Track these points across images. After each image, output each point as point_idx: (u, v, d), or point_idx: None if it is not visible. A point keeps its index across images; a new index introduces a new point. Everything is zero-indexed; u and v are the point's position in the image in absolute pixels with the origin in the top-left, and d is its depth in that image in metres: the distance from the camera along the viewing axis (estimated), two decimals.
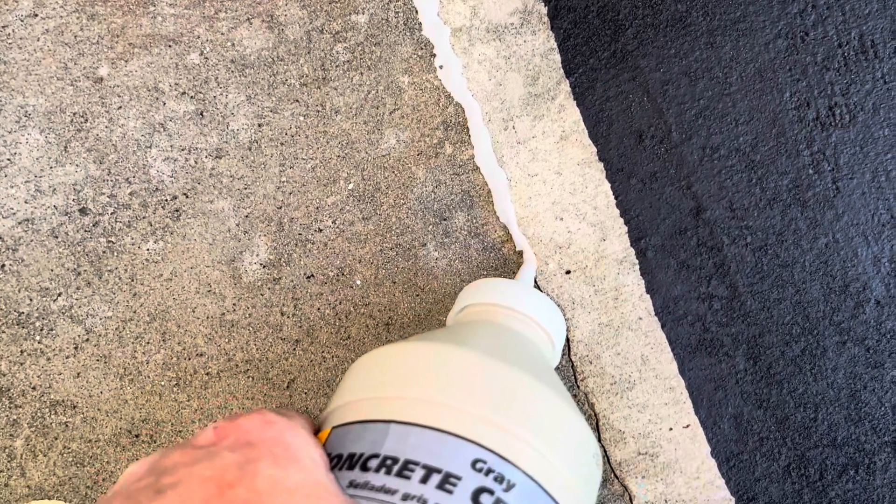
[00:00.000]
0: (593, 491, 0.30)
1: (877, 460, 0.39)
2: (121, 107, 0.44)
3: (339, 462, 0.25)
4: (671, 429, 0.41)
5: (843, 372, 0.40)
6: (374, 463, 0.25)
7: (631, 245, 0.42)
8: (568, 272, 0.42)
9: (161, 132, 0.44)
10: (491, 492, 0.24)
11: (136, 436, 0.42)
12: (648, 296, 0.41)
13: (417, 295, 0.43)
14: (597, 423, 0.41)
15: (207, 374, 0.43)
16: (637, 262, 0.42)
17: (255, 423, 0.25)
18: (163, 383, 0.43)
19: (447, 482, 0.24)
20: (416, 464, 0.24)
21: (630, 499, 0.41)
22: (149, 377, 0.43)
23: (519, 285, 0.37)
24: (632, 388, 0.41)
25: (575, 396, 0.41)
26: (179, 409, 0.43)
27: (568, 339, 0.42)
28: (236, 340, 0.43)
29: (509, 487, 0.25)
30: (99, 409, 0.42)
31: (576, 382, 0.41)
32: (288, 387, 0.43)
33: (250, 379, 0.43)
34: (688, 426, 0.41)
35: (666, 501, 0.40)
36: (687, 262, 0.41)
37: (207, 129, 0.44)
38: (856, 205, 0.41)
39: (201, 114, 0.44)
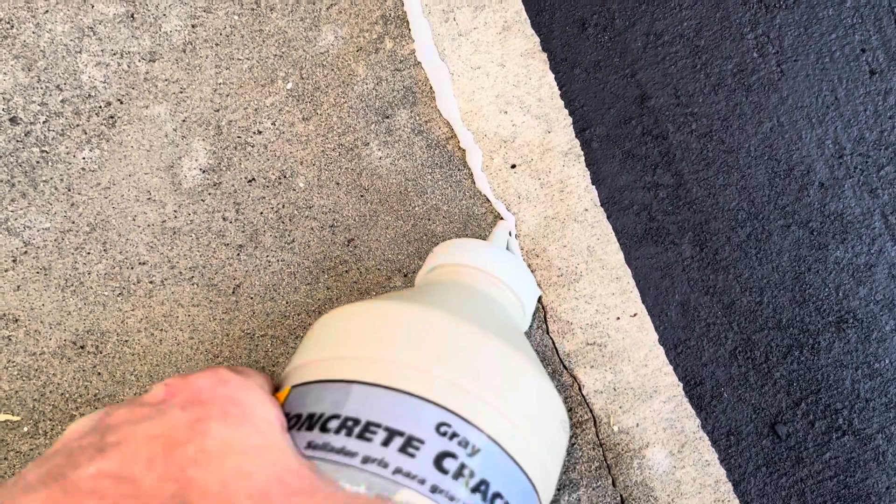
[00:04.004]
0: (559, 457, 0.29)
1: (821, 340, 0.40)
2: (47, 10, 0.42)
3: (298, 422, 0.24)
4: (619, 318, 0.41)
5: (788, 255, 0.40)
6: (334, 424, 0.24)
7: (576, 136, 0.41)
8: (513, 166, 0.41)
9: (91, 36, 0.42)
10: (454, 456, 0.23)
11: (82, 347, 0.42)
12: (594, 187, 0.41)
13: (362, 195, 0.42)
14: (545, 316, 0.41)
15: (151, 282, 0.42)
16: (582, 153, 0.41)
17: (207, 380, 0.24)
18: (106, 293, 0.42)
19: (410, 445, 0.23)
20: (378, 426, 0.23)
21: (579, 388, 0.41)
22: (91, 288, 0.42)
23: (490, 247, 0.36)
24: (579, 280, 0.41)
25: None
26: (125, 319, 0.42)
27: (516, 237, 0.41)
28: (179, 247, 0.42)
29: (474, 452, 0.24)
30: (42, 322, 0.42)
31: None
32: (233, 292, 0.42)
33: (195, 286, 0.42)
34: (635, 315, 0.41)
35: (615, 390, 0.40)
36: (632, 151, 0.41)
37: (139, 31, 0.42)
38: (800, 87, 0.40)
39: (132, 16, 0.42)
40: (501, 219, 0.41)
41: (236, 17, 0.42)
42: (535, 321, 0.41)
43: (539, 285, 0.41)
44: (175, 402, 0.23)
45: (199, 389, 0.24)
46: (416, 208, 0.42)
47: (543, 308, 0.41)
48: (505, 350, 0.27)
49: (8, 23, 0.42)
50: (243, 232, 0.42)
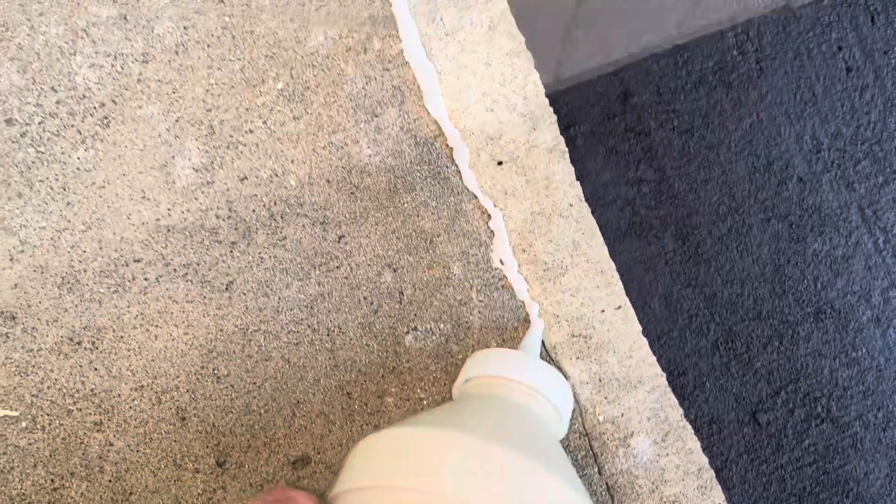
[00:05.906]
0: None
1: (800, 331, 0.41)
2: (42, 13, 0.43)
3: None
4: (603, 311, 0.42)
5: (768, 248, 0.41)
6: None
7: (561, 133, 0.42)
8: (500, 163, 0.42)
9: (84, 38, 0.43)
10: None
11: (78, 343, 0.43)
12: (578, 182, 0.42)
13: (352, 193, 0.43)
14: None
15: (146, 279, 0.43)
16: (567, 149, 0.42)
17: None
18: (102, 290, 0.43)
19: None
20: None
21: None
22: (87, 285, 0.43)
23: (525, 357, 0.37)
24: (564, 274, 0.42)
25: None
26: (120, 316, 0.43)
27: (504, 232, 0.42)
28: (173, 245, 0.43)
29: None
30: (39, 319, 0.43)
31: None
32: (227, 288, 0.43)
33: (189, 283, 0.43)
34: (619, 307, 0.42)
35: (600, 380, 0.41)
36: (615, 147, 0.42)
37: (132, 33, 0.43)
38: (779, 84, 0.41)
39: (125, 18, 0.43)
40: (531, 317, 0.41)
41: (227, 19, 0.43)
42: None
43: (525, 280, 0.42)
44: None
45: None
46: (405, 205, 0.43)
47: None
48: (549, 477, 0.27)
49: (3, 25, 0.43)
50: (236, 229, 0.43)
